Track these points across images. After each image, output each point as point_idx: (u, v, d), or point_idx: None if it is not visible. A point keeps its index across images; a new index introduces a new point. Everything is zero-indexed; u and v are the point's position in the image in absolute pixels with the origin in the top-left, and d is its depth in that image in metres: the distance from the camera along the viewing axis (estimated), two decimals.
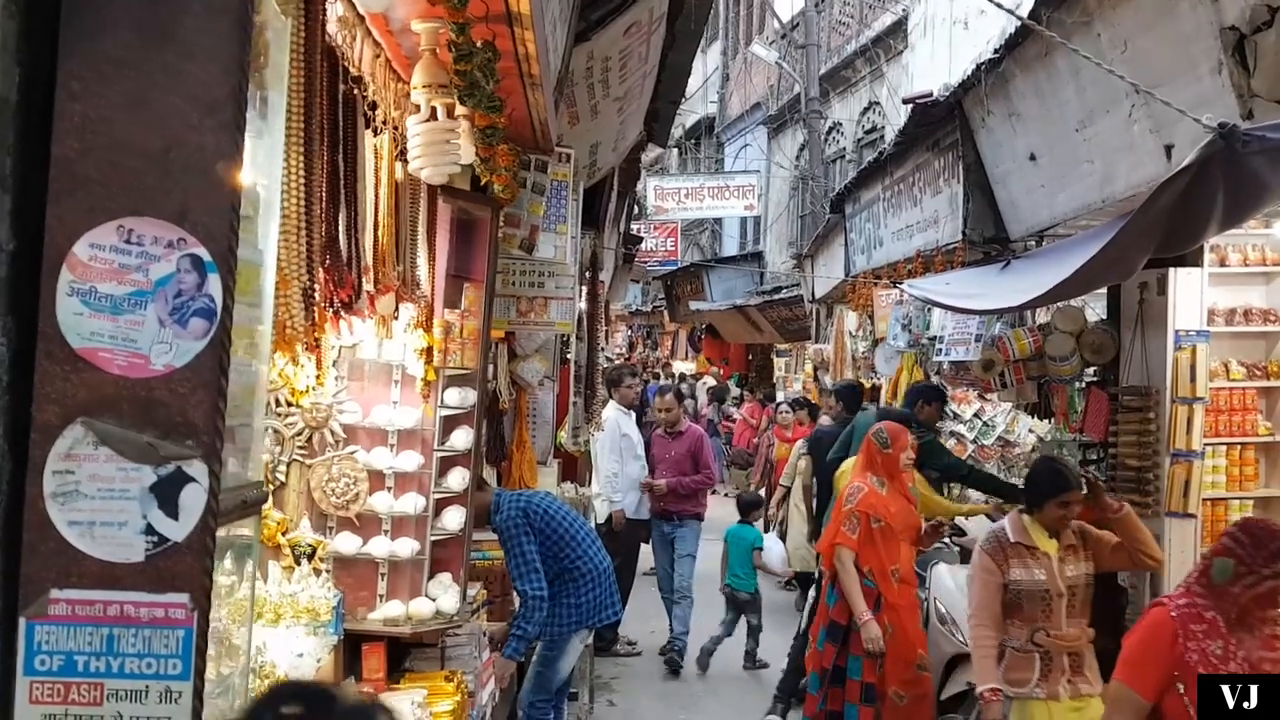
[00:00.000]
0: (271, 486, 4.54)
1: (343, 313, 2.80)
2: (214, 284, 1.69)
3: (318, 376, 4.15)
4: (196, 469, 1.68)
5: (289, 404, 4.47)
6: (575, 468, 10.27)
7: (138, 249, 1.67)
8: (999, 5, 3.33)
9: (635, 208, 16.69)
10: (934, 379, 9.03)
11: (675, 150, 26.16)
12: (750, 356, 24.19)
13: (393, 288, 3.36)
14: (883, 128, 15.60)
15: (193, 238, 1.68)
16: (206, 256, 1.68)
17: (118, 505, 1.66)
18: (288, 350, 2.34)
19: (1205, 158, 3.04)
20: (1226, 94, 4.20)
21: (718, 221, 24.01)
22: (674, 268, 23.23)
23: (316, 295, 2.44)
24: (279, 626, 4.10)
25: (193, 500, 1.68)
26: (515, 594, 5.62)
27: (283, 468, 4.61)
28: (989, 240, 7.01)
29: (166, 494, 1.67)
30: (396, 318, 3.75)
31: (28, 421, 1.67)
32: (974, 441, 9.63)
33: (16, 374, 1.70)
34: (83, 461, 1.66)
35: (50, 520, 1.65)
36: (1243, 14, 4.04)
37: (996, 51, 6.12)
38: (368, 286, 3.06)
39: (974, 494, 8.58)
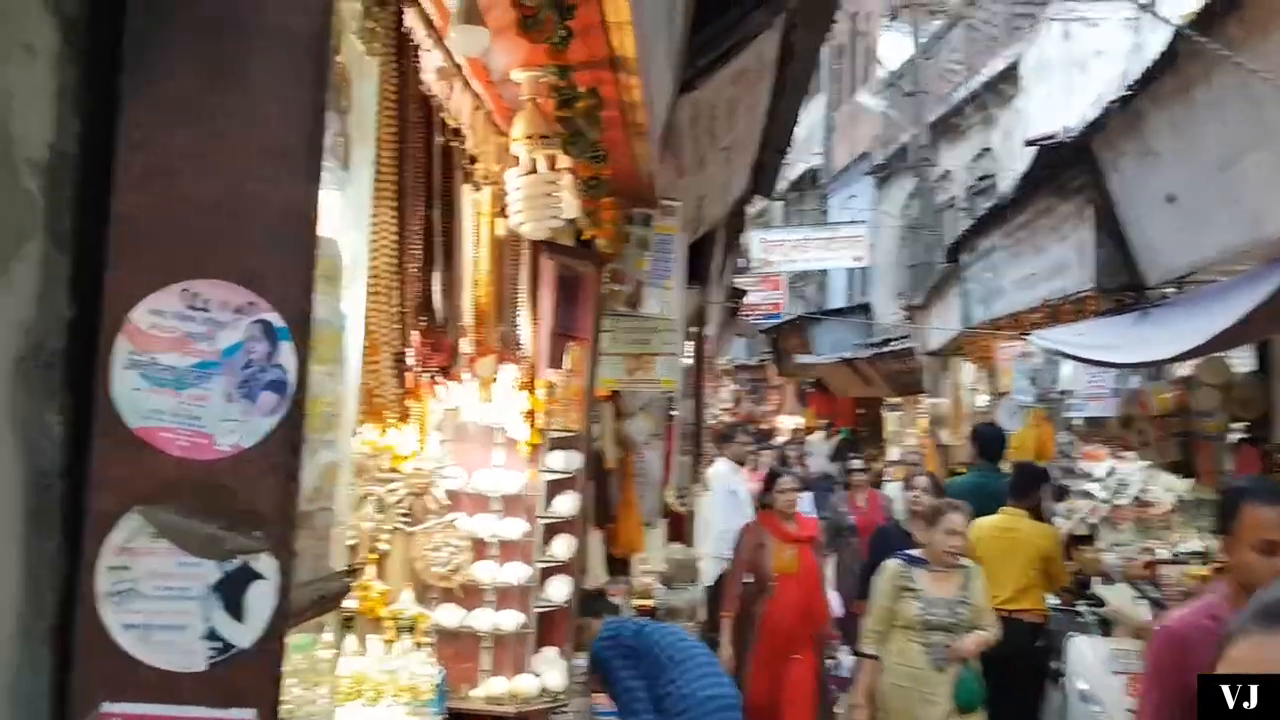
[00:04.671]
0: (375, 556, 4.39)
1: (439, 378, 2.61)
2: (286, 353, 1.49)
3: (419, 441, 4.01)
4: (264, 564, 1.47)
5: (391, 470, 4.32)
6: (682, 528, 10.02)
7: (203, 315, 1.49)
8: (1154, 14, 3.01)
9: (740, 261, 16.49)
10: (1064, 435, 8.55)
11: (780, 203, 25.95)
12: (860, 411, 23.62)
13: (493, 349, 3.17)
14: (995, 175, 15.15)
15: (264, 301, 1.49)
16: (279, 322, 1.49)
17: (178, 606, 1.46)
18: (376, 421, 2.15)
19: None
20: None
21: (824, 273, 23.63)
22: (779, 320, 22.90)
23: (409, 360, 2.25)
24: (379, 706, 3.92)
25: (260, 600, 1.47)
26: None
27: (386, 536, 4.46)
28: (1123, 288, 6.58)
29: (231, 593, 1.47)
30: (497, 380, 3.56)
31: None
32: (1106, 502, 9.06)
33: (74, 457, 1.53)
34: (140, 556, 1.46)
35: (103, 623, 1.45)
36: None
37: (1130, 88, 5.75)
38: (467, 349, 2.88)
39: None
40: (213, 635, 1.46)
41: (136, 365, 1.48)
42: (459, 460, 4.51)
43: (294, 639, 2.73)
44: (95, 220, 1.53)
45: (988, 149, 15.72)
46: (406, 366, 2.24)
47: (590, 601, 5.10)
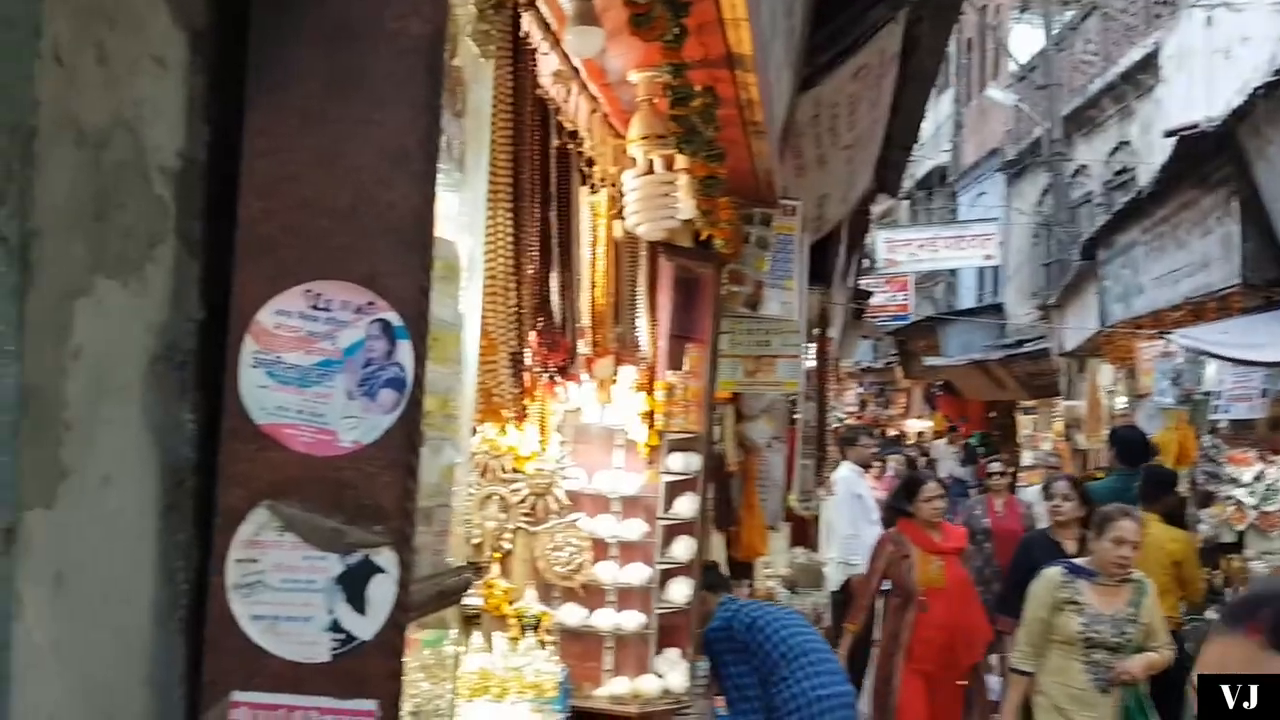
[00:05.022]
0: (498, 555, 4.46)
1: (557, 378, 2.63)
2: (404, 351, 1.52)
3: (541, 441, 4.05)
4: (385, 558, 1.50)
5: (513, 470, 4.38)
6: (806, 532, 9.90)
7: (325, 315, 1.53)
8: None
9: (864, 261, 16.22)
10: (1208, 438, 8.15)
11: (906, 202, 25.46)
12: (992, 414, 23.00)
13: (611, 351, 3.18)
14: (1134, 168, 14.57)
15: (382, 301, 1.52)
16: (396, 321, 1.52)
17: (303, 598, 1.50)
18: (494, 419, 2.17)
19: None
20: None
21: (952, 273, 23.10)
22: (906, 322, 22.47)
23: (526, 360, 2.27)
24: (504, 702, 3.98)
25: (381, 593, 1.50)
26: None
27: (508, 535, 4.52)
28: (1271, 283, 6.25)
29: (354, 586, 1.50)
30: (615, 381, 3.57)
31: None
32: (1255, 508, 8.60)
33: (206, 453, 1.58)
34: (267, 549, 1.51)
35: (233, 614, 1.50)
36: None
37: (1278, 74, 5.46)
38: (584, 350, 2.89)
39: None
40: (336, 627, 1.50)
41: (263, 364, 1.53)
42: (579, 461, 4.54)
43: (422, 635, 2.79)
44: (223, 224, 1.58)
45: (1125, 142, 15.14)
46: (524, 366, 2.26)
47: (706, 573, 5.01)
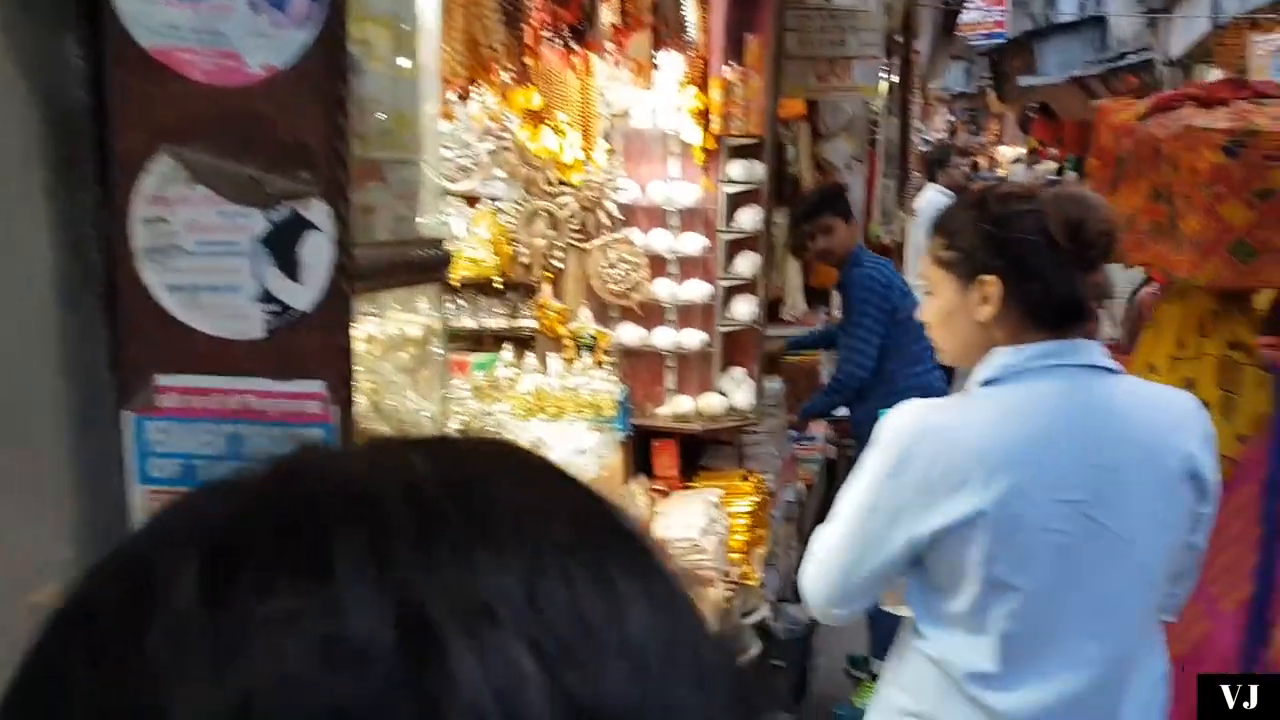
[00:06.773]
0: (549, 275, 4.25)
1: (573, 44, 2.26)
2: None
3: (585, 149, 3.73)
4: (316, 211, 1.22)
5: (560, 182, 4.08)
6: (888, 256, 9.53)
7: None
8: None
9: None
10: None
11: None
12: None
13: (645, 23, 2.78)
14: None
15: None
16: None
17: (225, 264, 1.24)
18: (485, 76, 1.84)
19: None
20: None
21: None
22: (1002, 40, 21.01)
23: (525, 11, 1.91)
24: (561, 421, 3.87)
25: (316, 255, 1.23)
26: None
27: (559, 254, 4.28)
28: None
29: (283, 247, 1.23)
30: (654, 66, 3.17)
31: None
32: None
33: (103, 96, 1.29)
34: (175, 206, 1.23)
35: (145, 285, 1.25)
36: None
37: None
38: (611, 17, 2.50)
39: None
40: (268, 297, 1.24)
41: None
42: (631, 172, 4.22)
43: (474, 358, 2.57)
44: None
45: None
46: (523, 17, 1.90)
47: (834, 199, 5.04)
